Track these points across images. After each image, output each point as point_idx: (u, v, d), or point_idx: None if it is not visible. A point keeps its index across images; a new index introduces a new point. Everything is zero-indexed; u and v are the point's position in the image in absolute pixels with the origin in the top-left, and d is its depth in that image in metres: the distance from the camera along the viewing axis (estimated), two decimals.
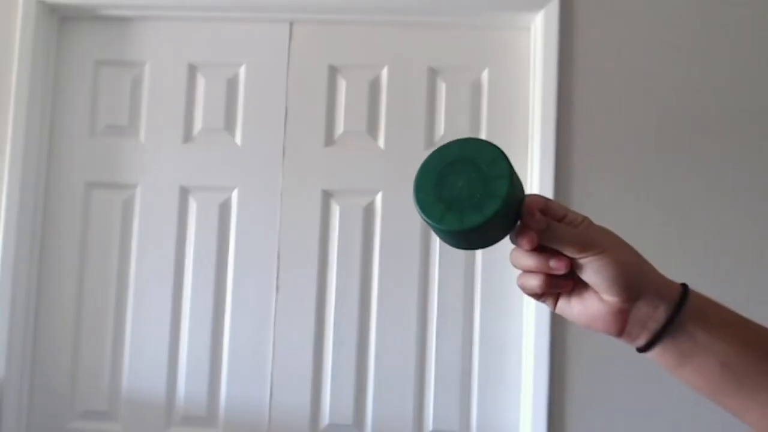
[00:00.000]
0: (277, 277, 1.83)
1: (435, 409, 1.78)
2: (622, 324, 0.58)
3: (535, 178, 1.74)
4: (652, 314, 0.57)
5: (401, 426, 1.77)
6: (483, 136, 1.83)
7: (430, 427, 1.78)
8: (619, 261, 0.56)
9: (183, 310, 1.84)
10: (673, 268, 1.88)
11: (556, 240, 0.57)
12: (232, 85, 1.89)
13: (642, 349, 0.58)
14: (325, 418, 1.79)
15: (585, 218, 0.59)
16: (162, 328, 1.83)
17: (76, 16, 1.91)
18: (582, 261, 0.57)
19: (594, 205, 1.73)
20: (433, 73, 1.86)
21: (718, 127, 1.74)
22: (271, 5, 1.84)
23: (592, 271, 0.57)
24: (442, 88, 1.85)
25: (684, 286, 0.59)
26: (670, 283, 0.58)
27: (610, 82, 1.77)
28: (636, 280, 0.57)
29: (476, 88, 1.85)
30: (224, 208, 1.86)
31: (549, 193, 1.71)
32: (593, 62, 1.77)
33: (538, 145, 1.74)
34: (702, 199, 1.73)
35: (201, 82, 1.89)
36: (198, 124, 1.88)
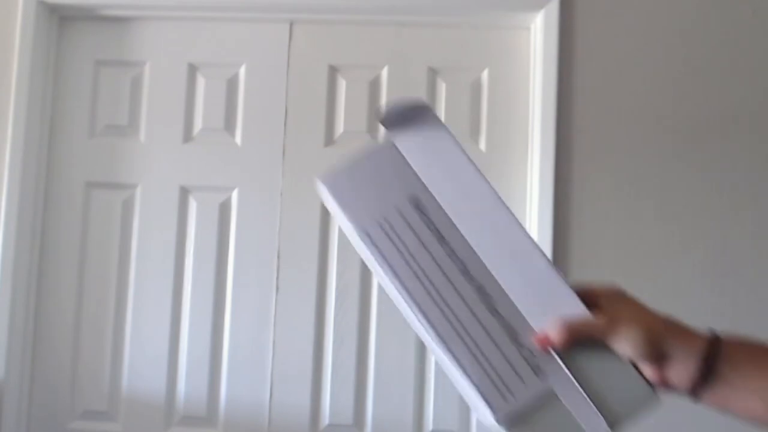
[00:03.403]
0: (277, 277, 1.83)
1: (435, 409, 1.78)
2: (663, 382, 0.62)
3: (535, 178, 1.74)
4: (685, 371, 0.61)
5: (401, 426, 1.77)
6: (483, 137, 1.83)
7: (430, 427, 1.78)
8: (638, 337, 0.61)
9: (183, 310, 1.84)
10: (673, 268, 1.88)
11: (585, 338, 0.62)
12: (232, 85, 1.89)
13: (694, 400, 0.63)
14: (325, 418, 1.79)
15: (606, 311, 0.63)
16: (162, 328, 1.83)
17: (76, 16, 1.91)
18: (610, 343, 0.62)
19: (594, 205, 1.73)
20: (433, 73, 1.86)
21: (718, 127, 1.74)
22: (271, 5, 1.84)
23: (620, 349, 0.62)
24: (442, 88, 1.85)
25: (713, 335, 0.62)
26: (698, 337, 0.62)
27: (610, 82, 1.77)
28: (660, 348, 0.61)
29: (476, 88, 1.85)
30: (224, 208, 1.86)
31: (549, 193, 1.71)
32: (593, 62, 1.77)
33: (538, 145, 1.74)
34: (702, 198, 1.73)
35: (201, 82, 1.89)
36: (198, 124, 1.88)
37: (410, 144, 0.68)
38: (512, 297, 0.64)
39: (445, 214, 0.66)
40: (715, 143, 1.74)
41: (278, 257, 1.83)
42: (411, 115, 0.68)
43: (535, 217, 1.72)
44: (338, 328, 1.81)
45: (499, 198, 0.67)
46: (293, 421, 1.79)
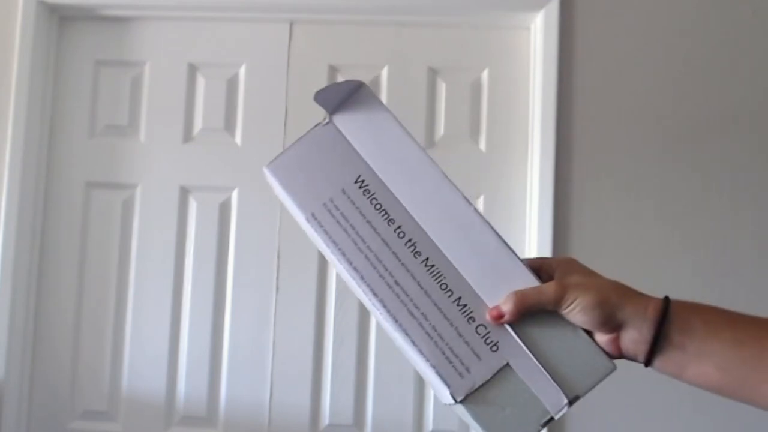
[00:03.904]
0: (277, 277, 1.82)
1: (435, 409, 1.78)
2: (617, 350, 0.62)
3: (535, 178, 1.74)
4: (639, 337, 0.61)
5: (401, 426, 1.77)
6: (483, 137, 1.83)
7: (430, 427, 1.78)
8: (588, 304, 0.61)
9: (183, 310, 1.84)
10: (672, 268, 1.88)
11: (537, 309, 0.62)
12: (232, 85, 1.89)
13: (646, 365, 0.62)
14: (325, 418, 1.79)
15: (557, 281, 0.63)
16: (162, 328, 1.83)
17: (76, 16, 1.91)
18: (562, 313, 0.62)
19: (594, 205, 1.73)
20: (433, 73, 1.86)
21: (718, 127, 1.74)
22: (271, 5, 1.84)
23: (572, 318, 0.62)
24: (442, 88, 1.85)
25: (666, 300, 0.62)
26: (650, 302, 0.61)
27: (610, 82, 1.77)
28: (612, 315, 0.61)
29: (476, 88, 1.85)
30: (224, 208, 1.86)
31: (549, 193, 1.71)
32: (593, 62, 1.77)
33: (538, 145, 1.74)
34: (701, 198, 1.73)
35: (201, 82, 1.89)
36: (198, 124, 1.88)
37: (351, 124, 0.67)
38: (464, 274, 0.64)
39: (391, 193, 0.66)
40: (715, 143, 1.74)
41: (278, 257, 1.83)
42: (349, 95, 0.68)
43: (535, 217, 1.72)
44: (338, 328, 1.81)
45: (444, 175, 0.66)
46: (293, 421, 1.79)
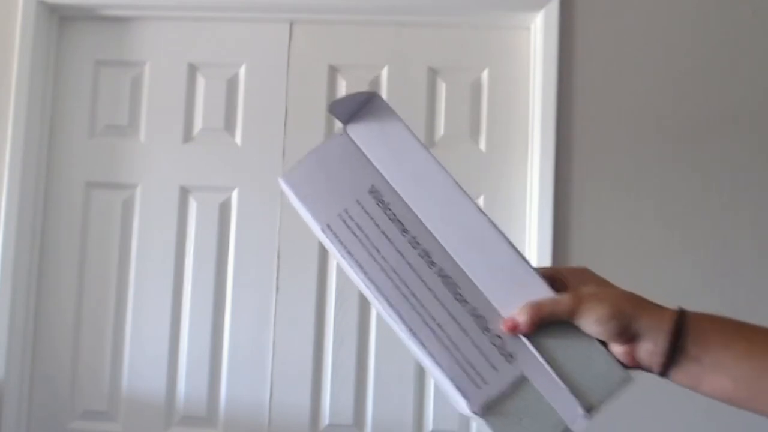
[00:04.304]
0: (277, 277, 1.83)
1: (435, 409, 1.78)
2: (632, 361, 0.62)
3: (535, 178, 1.74)
4: (654, 348, 0.60)
5: (401, 426, 1.77)
6: (483, 137, 1.83)
7: (430, 427, 1.78)
8: (603, 315, 0.60)
9: (183, 310, 1.84)
10: (672, 268, 1.88)
11: (552, 320, 0.62)
12: (232, 85, 1.89)
13: (661, 377, 0.62)
14: (325, 418, 1.79)
15: (572, 291, 0.63)
16: (162, 328, 1.83)
17: (76, 16, 1.91)
18: (577, 323, 0.61)
19: (594, 205, 1.73)
20: (433, 73, 1.86)
21: (718, 128, 1.74)
22: (271, 5, 1.84)
23: (587, 328, 0.61)
24: (442, 88, 1.85)
25: (681, 312, 0.61)
26: (666, 314, 0.61)
27: (610, 83, 1.77)
28: (627, 326, 0.60)
29: (476, 88, 1.85)
30: (224, 208, 1.86)
31: (549, 193, 1.71)
32: (593, 62, 1.77)
33: (538, 145, 1.74)
34: (701, 199, 1.73)
35: (201, 82, 1.89)
36: (198, 124, 1.88)
37: (364, 134, 0.68)
38: (478, 284, 0.64)
39: (405, 203, 0.66)
40: (715, 143, 1.74)
41: (278, 257, 1.83)
42: (362, 106, 0.68)
43: (535, 217, 1.72)
44: (338, 328, 1.81)
45: (457, 184, 0.66)
46: (293, 421, 1.79)
